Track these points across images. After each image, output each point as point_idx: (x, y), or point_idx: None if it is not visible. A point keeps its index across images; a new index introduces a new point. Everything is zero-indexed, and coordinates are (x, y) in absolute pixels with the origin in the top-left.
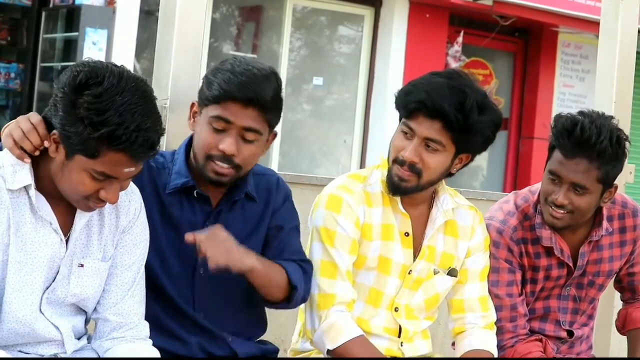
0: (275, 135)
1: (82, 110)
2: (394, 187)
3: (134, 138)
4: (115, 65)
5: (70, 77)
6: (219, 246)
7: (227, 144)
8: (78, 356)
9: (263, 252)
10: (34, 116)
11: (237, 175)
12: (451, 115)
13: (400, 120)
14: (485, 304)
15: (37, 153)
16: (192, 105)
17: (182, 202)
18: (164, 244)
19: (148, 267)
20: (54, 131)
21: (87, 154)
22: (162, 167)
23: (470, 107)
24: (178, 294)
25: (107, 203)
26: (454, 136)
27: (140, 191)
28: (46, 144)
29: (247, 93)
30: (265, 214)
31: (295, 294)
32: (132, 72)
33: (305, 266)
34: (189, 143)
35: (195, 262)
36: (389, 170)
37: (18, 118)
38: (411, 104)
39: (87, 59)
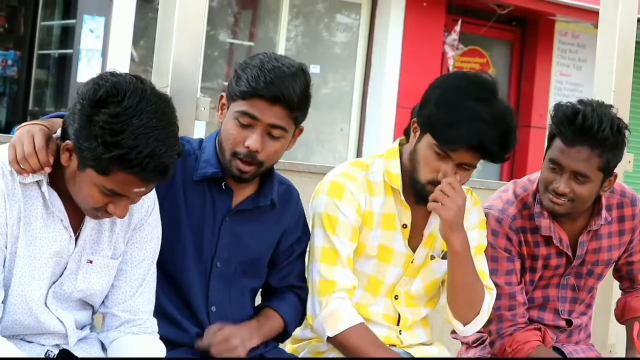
0: (302, 130)
1: (97, 128)
2: (423, 199)
3: (146, 163)
4: (141, 82)
5: (91, 91)
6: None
7: (253, 140)
8: (81, 345)
9: (270, 266)
10: (40, 137)
11: (258, 172)
12: (496, 155)
13: (425, 131)
14: (482, 276)
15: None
16: (221, 97)
17: (205, 192)
18: (186, 232)
19: (162, 255)
20: (68, 141)
21: (97, 171)
22: (188, 154)
23: (511, 142)
24: (189, 286)
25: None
26: (487, 159)
27: (171, 179)
28: (47, 170)
29: (274, 91)
30: (281, 222)
31: (288, 331)
32: (155, 87)
33: (302, 293)
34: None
35: (214, 253)
36: (422, 187)
37: (26, 130)
38: (457, 144)
39: (112, 70)
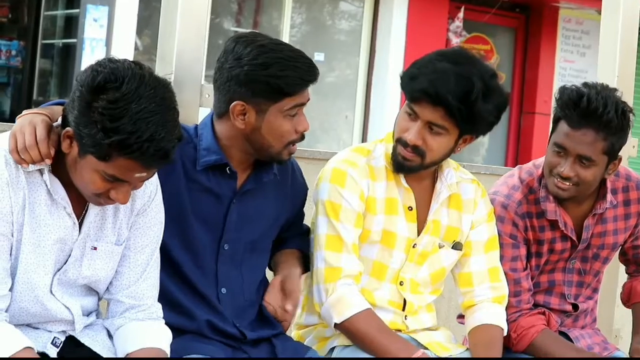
0: None
1: (97, 114)
2: (398, 165)
3: (146, 148)
4: (139, 67)
5: (90, 77)
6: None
7: (306, 123)
8: (87, 331)
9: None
10: (41, 128)
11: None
12: (454, 106)
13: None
14: (495, 275)
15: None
16: (236, 105)
17: (209, 178)
18: (191, 219)
19: (165, 243)
20: (68, 128)
21: (98, 157)
22: (186, 142)
23: (475, 97)
24: (196, 270)
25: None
26: (457, 122)
27: (171, 166)
28: (47, 161)
29: (315, 74)
30: (286, 192)
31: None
32: (154, 73)
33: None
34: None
35: (220, 237)
36: (394, 149)
37: (28, 120)
38: (415, 92)
39: (110, 56)
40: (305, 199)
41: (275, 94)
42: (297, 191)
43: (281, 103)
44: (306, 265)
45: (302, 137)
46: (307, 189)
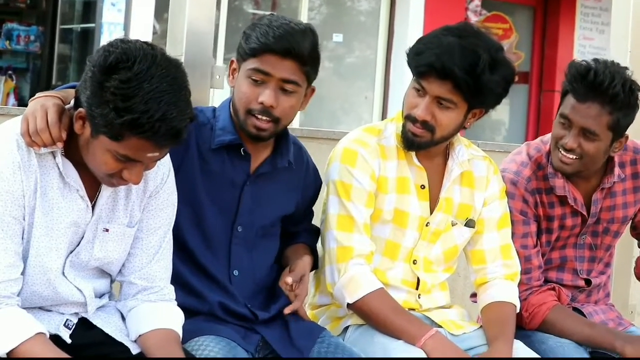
0: (314, 90)
1: (109, 94)
2: (408, 142)
3: (157, 127)
4: (151, 47)
5: (102, 58)
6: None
7: (267, 96)
8: (100, 313)
9: (289, 217)
10: (53, 112)
11: (276, 130)
12: (461, 79)
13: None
14: (507, 252)
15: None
16: (232, 62)
17: (223, 159)
18: (203, 201)
19: (177, 226)
20: (81, 109)
21: (110, 137)
22: (203, 124)
23: (481, 69)
24: (208, 253)
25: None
26: (465, 95)
27: (185, 148)
28: (59, 145)
29: (285, 44)
30: (298, 181)
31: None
32: (166, 53)
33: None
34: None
35: (233, 220)
36: (403, 126)
37: (40, 104)
38: (421, 66)
39: (122, 37)
40: (317, 196)
41: (243, 51)
42: (309, 186)
43: (246, 62)
44: (315, 261)
45: (266, 113)
46: (321, 185)
